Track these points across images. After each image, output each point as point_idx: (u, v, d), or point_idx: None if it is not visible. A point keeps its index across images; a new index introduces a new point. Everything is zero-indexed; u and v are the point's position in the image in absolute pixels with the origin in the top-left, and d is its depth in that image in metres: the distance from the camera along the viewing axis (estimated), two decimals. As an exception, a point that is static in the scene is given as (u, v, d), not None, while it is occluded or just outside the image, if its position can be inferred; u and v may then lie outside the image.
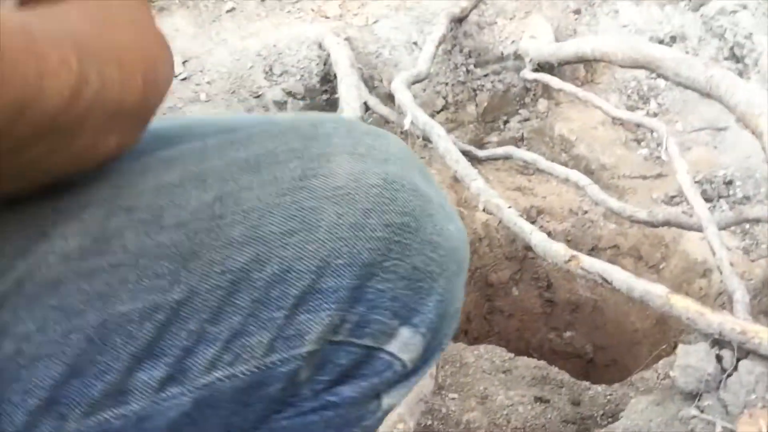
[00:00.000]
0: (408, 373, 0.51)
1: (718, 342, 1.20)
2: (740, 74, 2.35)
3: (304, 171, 0.46)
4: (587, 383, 1.72)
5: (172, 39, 2.22)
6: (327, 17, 2.38)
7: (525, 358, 1.82)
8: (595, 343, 2.33)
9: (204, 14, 2.37)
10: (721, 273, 1.44)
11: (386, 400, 0.52)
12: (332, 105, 2.15)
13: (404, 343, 0.48)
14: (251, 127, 0.50)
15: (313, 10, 2.41)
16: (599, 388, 1.70)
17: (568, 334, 2.37)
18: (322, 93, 2.20)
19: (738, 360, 1.18)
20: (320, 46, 2.20)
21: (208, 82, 2.08)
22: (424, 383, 1.07)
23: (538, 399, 1.62)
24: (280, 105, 2.15)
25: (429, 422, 1.57)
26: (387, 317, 0.47)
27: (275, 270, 0.44)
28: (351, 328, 0.46)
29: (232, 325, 0.43)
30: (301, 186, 0.46)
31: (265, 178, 0.46)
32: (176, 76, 2.08)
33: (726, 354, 1.19)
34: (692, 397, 1.20)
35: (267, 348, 0.44)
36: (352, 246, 0.45)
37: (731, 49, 2.45)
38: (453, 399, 1.64)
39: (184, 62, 2.13)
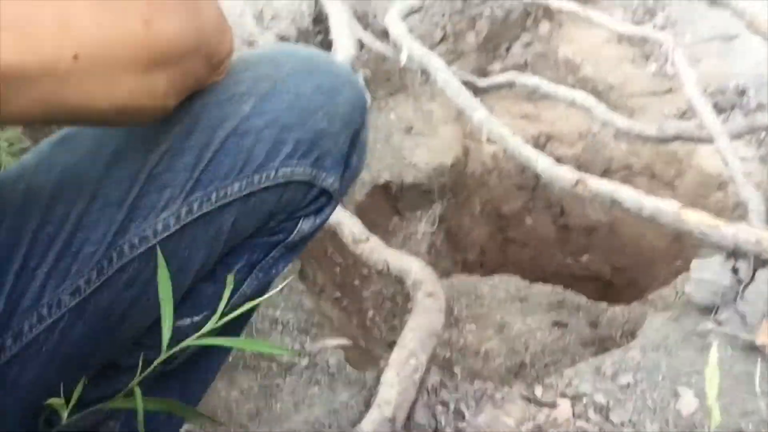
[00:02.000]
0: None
1: (734, 254, 1.18)
2: (749, -23, 2.25)
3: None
4: (604, 304, 1.72)
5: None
6: (315, -45, 2.30)
7: (541, 284, 1.82)
8: (612, 265, 2.32)
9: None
10: (734, 183, 1.40)
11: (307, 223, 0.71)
12: (327, 46, 2.10)
13: (333, 179, 0.71)
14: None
15: (300, -51, 2.33)
16: (617, 308, 1.69)
17: (585, 257, 2.35)
18: (316, 34, 2.14)
19: (755, 270, 1.16)
20: (310, -15, 2.13)
21: (200, 33, 2.03)
22: (434, 318, 1.07)
23: (556, 323, 1.62)
24: (275, 50, 2.09)
25: (448, 354, 1.58)
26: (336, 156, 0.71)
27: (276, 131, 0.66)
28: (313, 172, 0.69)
29: (262, 144, 0.63)
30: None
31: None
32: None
33: (742, 265, 1.17)
34: (709, 311, 1.19)
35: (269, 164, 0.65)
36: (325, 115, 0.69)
37: (739, -49, 2.35)
38: (470, 330, 1.64)
39: (173, 14, 2.08)
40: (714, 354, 0.52)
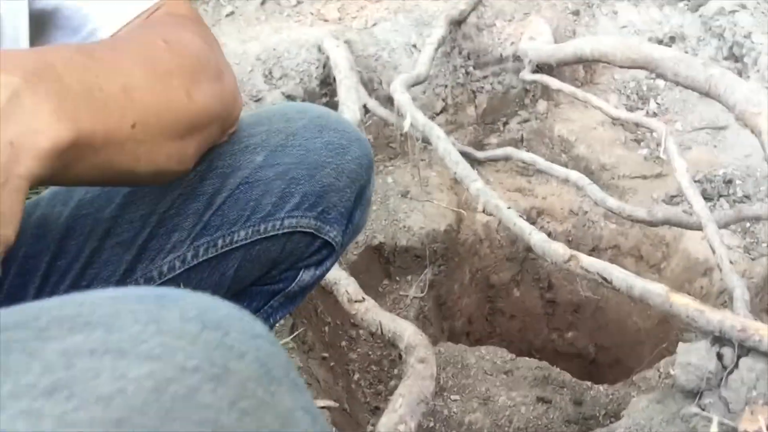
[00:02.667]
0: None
1: (719, 340, 1.20)
2: (739, 73, 2.35)
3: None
4: (589, 383, 1.72)
5: (171, 44, 2.24)
6: (326, 20, 2.39)
7: (526, 358, 1.82)
8: (597, 344, 2.33)
9: (203, 18, 2.37)
10: (720, 271, 1.44)
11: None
12: (332, 108, 2.15)
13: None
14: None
15: (312, 14, 2.42)
16: (601, 387, 1.70)
17: (570, 334, 2.37)
18: (322, 96, 2.20)
19: (739, 357, 1.18)
20: (319, 49, 2.21)
21: (208, 87, 2.09)
22: (425, 385, 1.07)
23: (540, 399, 1.62)
24: (280, 108, 2.15)
25: (431, 424, 1.57)
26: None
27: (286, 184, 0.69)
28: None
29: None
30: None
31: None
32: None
33: (727, 351, 1.19)
34: (693, 395, 1.20)
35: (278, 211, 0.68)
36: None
37: (730, 48, 2.45)
38: (455, 400, 1.64)
39: (183, 67, 2.13)
40: (715, 429, 0.54)
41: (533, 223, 2.24)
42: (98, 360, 0.27)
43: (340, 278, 1.31)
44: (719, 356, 1.19)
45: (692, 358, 1.20)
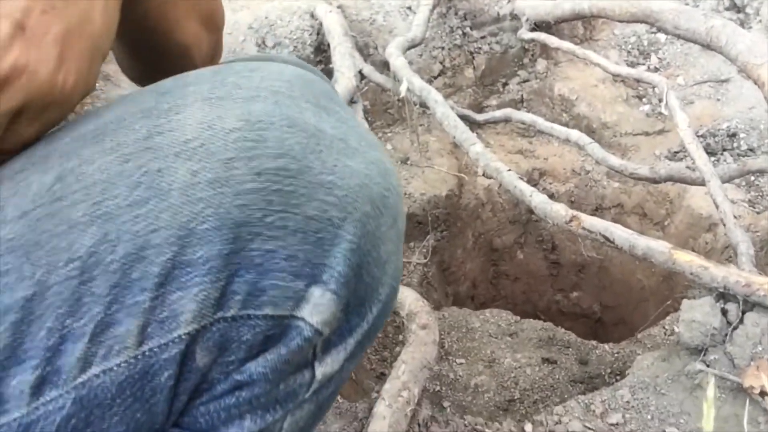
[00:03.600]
0: (333, 337, 0.46)
1: (723, 296, 1.20)
2: (741, 24, 2.31)
3: (150, 130, 0.41)
4: (594, 342, 1.72)
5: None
6: (318, -14, 2.34)
7: (531, 320, 1.82)
8: (602, 303, 2.33)
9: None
10: (725, 226, 1.42)
11: (321, 370, 0.47)
12: (327, 75, 2.13)
13: (314, 305, 0.43)
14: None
15: (304, -21, 2.37)
16: (606, 346, 1.70)
17: (574, 294, 2.37)
18: (317, 63, 2.17)
19: (743, 313, 1.18)
20: (312, 16, 2.17)
21: (201, 58, 2.06)
22: (428, 350, 1.07)
23: (546, 360, 1.63)
24: (275, 77, 2.12)
25: (437, 388, 1.58)
26: (287, 280, 0.41)
27: (129, 249, 0.39)
28: (243, 300, 0.41)
29: (94, 317, 0.38)
30: (146, 147, 0.40)
31: (107, 146, 0.41)
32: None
33: (731, 307, 1.19)
34: (698, 351, 1.19)
35: (139, 336, 0.40)
36: (216, 206, 0.39)
37: (732, -2, 2.40)
38: (460, 364, 1.64)
39: (175, 39, 2.10)
40: (712, 389, 0.53)
41: (535, 184, 2.23)
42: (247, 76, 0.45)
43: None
44: (724, 312, 1.19)
45: (697, 315, 1.19)
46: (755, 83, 1.46)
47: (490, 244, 2.34)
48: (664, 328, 1.74)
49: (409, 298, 1.17)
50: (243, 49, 2.11)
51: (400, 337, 1.77)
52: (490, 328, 1.75)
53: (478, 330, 1.75)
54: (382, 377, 1.55)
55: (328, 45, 2.04)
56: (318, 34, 2.15)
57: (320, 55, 2.16)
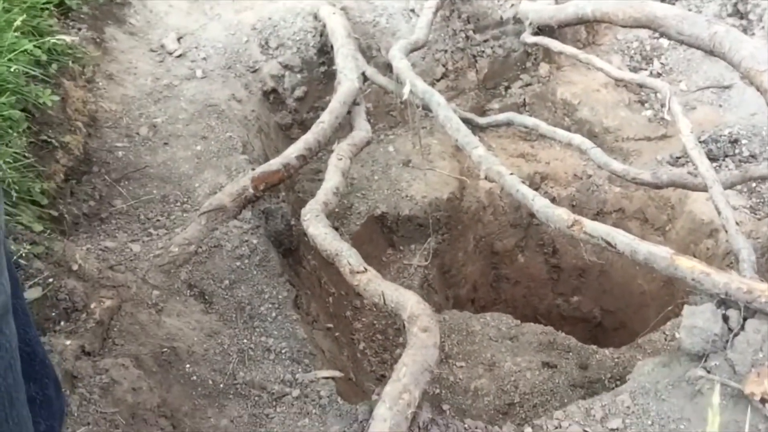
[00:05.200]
0: None
1: (725, 302, 1.19)
2: (744, 30, 2.31)
3: None
4: (594, 347, 1.72)
5: (165, 15, 2.20)
6: (322, -13, 2.34)
7: (532, 324, 1.82)
8: (602, 307, 2.33)
9: (197, -11, 2.33)
10: (726, 232, 1.42)
11: None
12: (330, 77, 2.13)
13: None
14: None
15: (307, -19, 2.37)
16: (606, 351, 1.70)
17: (575, 298, 2.37)
18: (320, 65, 2.17)
19: (745, 319, 1.17)
20: (316, 17, 2.17)
21: (204, 58, 2.06)
22: (429, 353, 1.07)
23: (546, 364, 1.63)
24: (277, 79, 2.12)
25: (437, 390, 1.58)
26: None
27: None
28: None
29: None
30: None
31: None
32: (171, 53, 2.05)
33: (732, 314, 1.18)
34: (699, 357, 1.19)
35: None
36: None
37: (735, 4, 2.41)
38: (461, 367, 1.64)
39: (178, 39, 2.10)
40: (717, 396, 0.53)
41: (537, 188, 2.23)
42: None
43: (341, 249, 1.30)
44: (725, 318, 1.19)
45: (698, 321, 1.19)
46: (758, 89, 1.46)
47: (491, 248, 2.34)
48: (664, 333, 1.74)
49: (410, 301, 1.17)
50: (246, 50, 2.11)
51: (400, 339, 1.77)
52: (490, 331, 1.75)
53: (478, 333, 1.75)
54: (382, 379, 1.55)
55: (331, 46, 2.04)
56: (321, 35, 2.15)
57: (323, 56, 2.16)
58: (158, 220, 1.52)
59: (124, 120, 1.78)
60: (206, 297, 1.34)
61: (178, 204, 1.57)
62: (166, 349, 1.20)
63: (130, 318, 1.22)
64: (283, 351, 1.27)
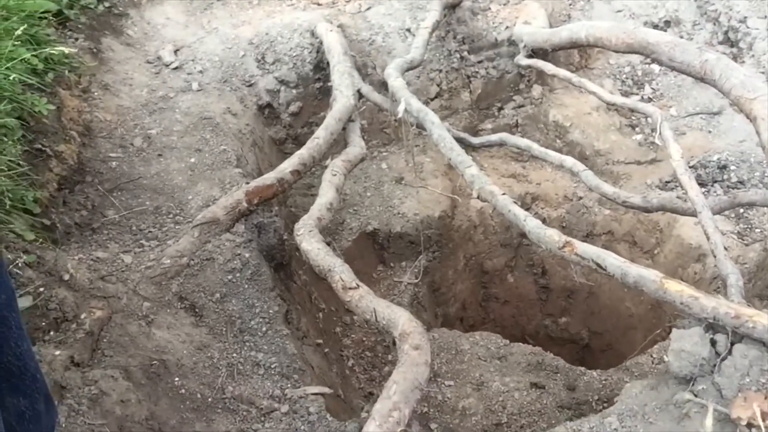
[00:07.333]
0: None
1: (713, 326, 1.20)
2: (734, 58, 2.35)
3: None
4: (582, 369, 1.73)
5: (162, 28, 2.21)
6: (319, 4, 2.37)
7: (520, 344, 1.83)
8: (590, 329, 2.34)
9: (195, 2, 2.35)
10: (715, 257, 1.44)
11: None
12: (325, 93, 2.14)
13: None
14: None
15: (305, -2, 2.40)
16: (594, 373, 1.70)
17: (563, 320, 2.37)
18: (315, 81, 2.19)
19: (732, 344, 1.18)
20: (313, 34, 2.19)
21: (200, 71, 2.07)
22: (420, 371, 1.07)
23: (534, 385, 1.63)
24: (273, 93, 2.13)
25: (425, 409, 1.58)
26: None
27: None
28: None
29: None
30: None
31: None
32: (167, 65, 2.06)
33: (720, 338, 1.19)
34: (687, 381, 1.20)
35: None
36: None
37: (725, 33, 2.45)
38: (449, 386, 1.64)
39: (175, 51, 2.11)
40: (710, 419, 0.54)
41: (528, 209, 2.24)
42: None
43: (334, 265, 1.30)
44: (713, 343, 1.20)
45: (686, 345, 1.20)
46: (747, 117, 1.48)
47: (481, 267, 2.35)
48: (651, 356, 1.75)
49: (402, 318, 1.17)
50: (242, 64, 2.12)
51: (390, 356, 1.77)
52: (479, 350, 1.75)
53: (467, 352, 1.75)
54: (371, 396, 1.55)
55: (328, 63, 2.05)
56: (318, 52, 2.16)
57: (319, 72, 2.17)
58: (150, 232, 1.52)
59: (119, 130, 1.78)
60: (197, 310, 1.34)
61: (171, 216, 1.57)
62: (155, 362, 1.19)
63: (120, 329, 1.22)
64: (272, 366, 1.26)
